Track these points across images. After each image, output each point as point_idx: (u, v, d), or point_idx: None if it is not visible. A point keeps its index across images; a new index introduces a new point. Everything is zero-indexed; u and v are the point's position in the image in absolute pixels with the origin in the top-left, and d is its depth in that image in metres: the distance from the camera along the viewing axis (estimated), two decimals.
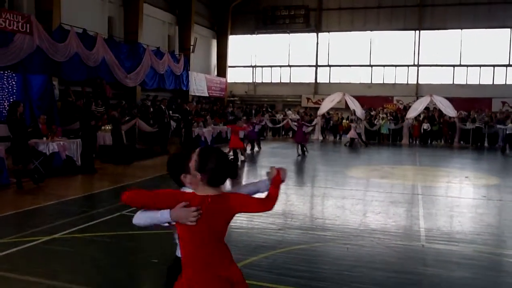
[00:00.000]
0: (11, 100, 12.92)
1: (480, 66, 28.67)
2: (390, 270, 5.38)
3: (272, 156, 17.69)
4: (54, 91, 15.21)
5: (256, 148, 19.04)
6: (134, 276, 5.12)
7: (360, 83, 30.38)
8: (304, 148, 17.64)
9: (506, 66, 28.30)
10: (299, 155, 17.23)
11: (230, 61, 32.59)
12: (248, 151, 17.78)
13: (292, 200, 9.56)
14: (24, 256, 5.60)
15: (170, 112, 19.42)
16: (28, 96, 13.79)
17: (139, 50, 20.76)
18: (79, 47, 16.68)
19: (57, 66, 15.85)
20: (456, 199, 9.90)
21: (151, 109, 19.50)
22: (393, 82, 30.18)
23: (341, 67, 31.20)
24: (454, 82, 29.05)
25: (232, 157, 13.97)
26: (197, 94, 26.99)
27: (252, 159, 16.47)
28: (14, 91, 13.60)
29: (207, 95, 28.39)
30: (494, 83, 28.51)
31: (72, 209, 8.04)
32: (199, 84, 27.12)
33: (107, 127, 14.86)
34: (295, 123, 18.71)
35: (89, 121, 12.13)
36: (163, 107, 18.45)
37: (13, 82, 13.64)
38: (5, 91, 13.53)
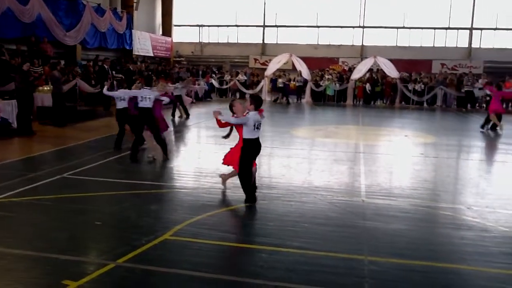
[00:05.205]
0: None
1: (422, 28, 29.46)
2: (331, 225, 5.59)
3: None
4: None
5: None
6: (77, 238, 5.02)
7: (306, 44, 30.50)
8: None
9: (446, 29, 29.26)
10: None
11: (175, 20, 31.65)
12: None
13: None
14: None
15: (114, 72, 18.75)
16: None
17: (78, 6, 19.72)
18: (11, 1, 15.61)
19: None
20: (396, 157, 10.33)
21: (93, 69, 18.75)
22: (339, 44, 30.51)
23: (288, 28, 31.09)
24: (397, 44, 29.77)
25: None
26: (141, 54, 26.16)
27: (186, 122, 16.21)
28: None
29: (152, 55, 27.59)
30: (435, 45, 29.49)
31: (9, 172, 7.69)
32: (144, 43, 26.25)
33: (46, 88, 14.18)
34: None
35: (26, 80, 11.49)
36: (106, 67, 17.77)
37: None
38: None
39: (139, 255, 4.47)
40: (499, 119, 14.53)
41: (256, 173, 6.60)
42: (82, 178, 7.51)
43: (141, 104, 8.61)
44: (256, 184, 6.63)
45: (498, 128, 14.39)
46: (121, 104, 9.50)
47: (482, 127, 14.61)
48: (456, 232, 5.47)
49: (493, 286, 4.15)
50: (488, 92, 17.40)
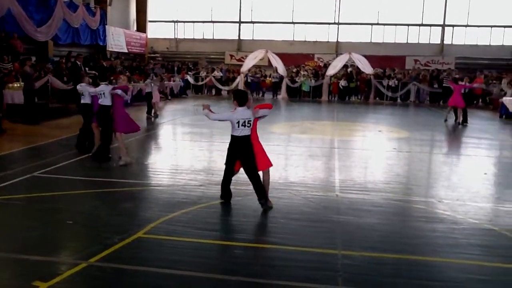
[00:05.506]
0: None
1: (395, 25, 29.83)
2: (306, 220, 5.62)
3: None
4: None
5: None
6: (48, 238, 4.92)
7: (282, 41, 30.54)
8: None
9: (419, 25, 29.71)
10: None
11: (150, 16, 31.30)
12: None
13: (213, 156, 9.60)
14: None
15: (87, 68, 18.42)
16: None
17: (49, 1, 19.27)
18: None
19: None
20: (370, 152, 10.45)
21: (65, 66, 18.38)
22: (314, 40, 30.66)
23: (264, 24, 31.10)
24: (372, 41, 30.08)
25: None
26: (115, 50, 25.77)
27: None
28: None
29: (126, 51, 27.20)
30: (408, 42, 29.90)
31: None
32: (117, 39, 25.85)
33: (16, 85, 13.84)
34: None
35: None
36: (79, 63, 17.45)
37: None
38: None
39: (111, 254, 4.42)
40: (466, 114, 15.10)
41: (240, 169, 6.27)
42: (53, 176, 7.37)
43: (100, 101, 8.46)
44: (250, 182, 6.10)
45: (445, 119, 15.52)
46: (83, 99, 9.31)
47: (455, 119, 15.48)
48: (428, 225, 5.57)
49: (461, 277, 4.24)
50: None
